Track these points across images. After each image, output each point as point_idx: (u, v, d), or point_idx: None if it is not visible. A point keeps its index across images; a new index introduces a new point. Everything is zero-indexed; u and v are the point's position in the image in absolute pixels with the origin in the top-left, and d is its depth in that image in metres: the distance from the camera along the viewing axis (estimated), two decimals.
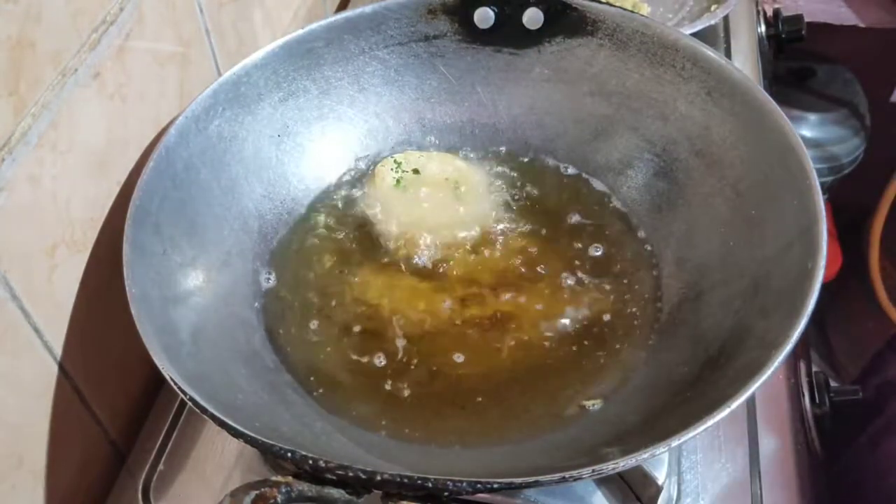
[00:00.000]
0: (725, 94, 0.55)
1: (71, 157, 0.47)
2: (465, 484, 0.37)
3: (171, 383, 0.41)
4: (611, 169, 0.61)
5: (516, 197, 0.62)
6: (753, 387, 0.40)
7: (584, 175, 0.62)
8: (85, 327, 0.50)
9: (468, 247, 0.59)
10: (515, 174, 0.63)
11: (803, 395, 0.58)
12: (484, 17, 0.62)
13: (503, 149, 0.64)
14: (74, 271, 0.49)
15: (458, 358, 0.52)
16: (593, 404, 0.49)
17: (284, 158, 0.60)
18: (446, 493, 0.37)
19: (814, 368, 0.64)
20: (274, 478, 0.38)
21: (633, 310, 0.54)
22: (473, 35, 0.63)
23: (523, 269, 0.57)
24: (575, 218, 0.60)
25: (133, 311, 0.43)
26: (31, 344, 0.46)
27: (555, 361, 0.52)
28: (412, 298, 0.56)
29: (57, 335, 0.48)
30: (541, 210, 0.61)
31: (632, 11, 0.59)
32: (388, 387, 0.51)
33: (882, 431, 0.76)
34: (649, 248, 0.58)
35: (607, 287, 0.56)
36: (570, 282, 0.56)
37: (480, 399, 0.51)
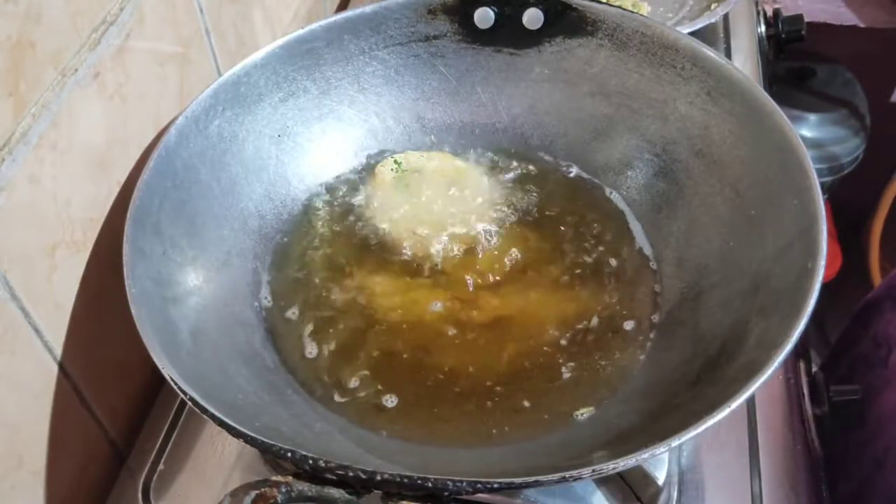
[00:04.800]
0: (725, 94, 0.55)
1: (71, 156, 0.47)
2: (465, 484, 0.37)
3: (171, 383, 0.41)
4: (611, 169, 0.61)
5: (516, 197, 0.62)
6: (753, 387, 0.40)
7: (583, 175, 0.62)
8: (85, 327, 0.50)
9: (468, 247, 0.59)
10: (515, 174, 0.63)
11: (803, 395, 0.58)
12: (484, 17, 0.62)
13: (503, 148, 0.64)
14: (74, 271, 0.49)
15: (458, 358, 0.52)
16: (583, 413, 0.49)
17: (284, 158, 0.60)
18: (446, 493, 0.37)
19: (814, 368, 0.64)
20: (274, 478, 0.38)
21: (633, 310, 0.54)
22: (473, 35, 0.63)
23: (523, 270, 0.57)
24: (574, 218, 0.60)
25: (133, 311, 0.43)
26: (31, 344, 0.46)
27: (554, 361, 0.52)
28: (411, 298, 0.56)
29: (57, 335, 0.48)
30: (540, 210, 0.61)
31: (632, 11, 0.59)
32: (388, 386, 0.51)
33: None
34: (649, 247, 0.58)
35: (607, 287, 0.56)
36: (570, 282, 0.56)
37: (480, 399, 0.51)
